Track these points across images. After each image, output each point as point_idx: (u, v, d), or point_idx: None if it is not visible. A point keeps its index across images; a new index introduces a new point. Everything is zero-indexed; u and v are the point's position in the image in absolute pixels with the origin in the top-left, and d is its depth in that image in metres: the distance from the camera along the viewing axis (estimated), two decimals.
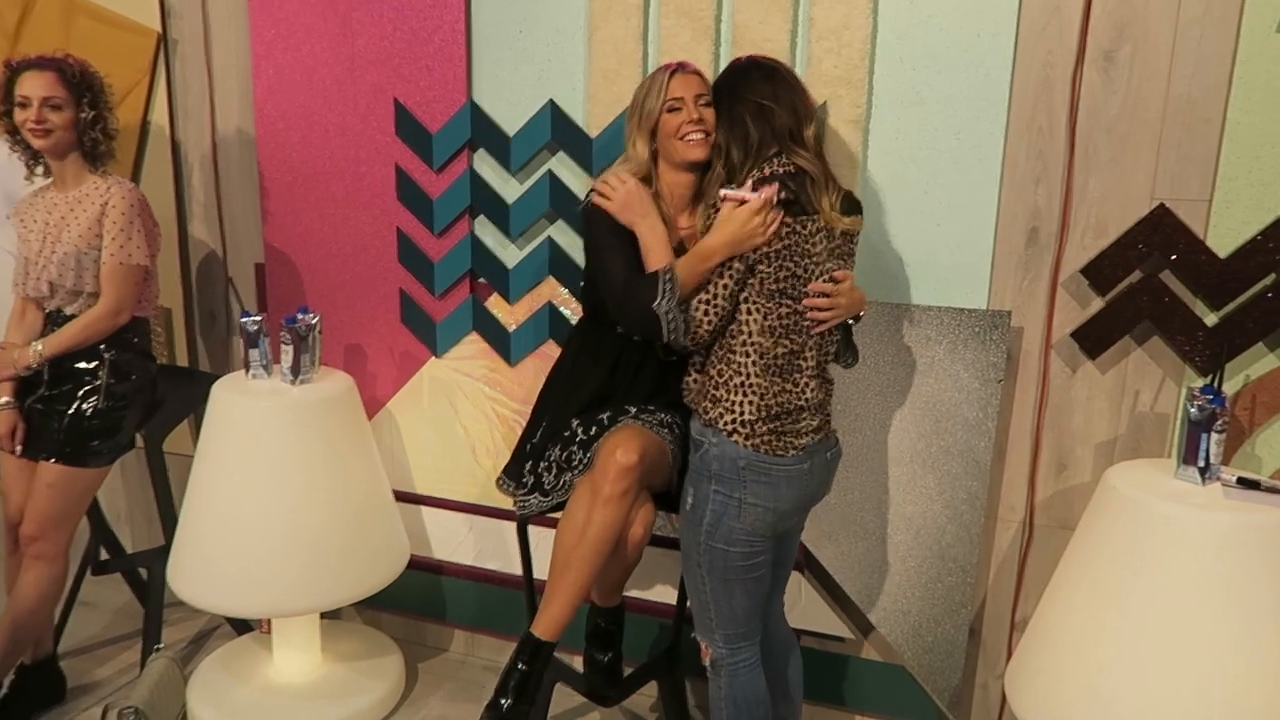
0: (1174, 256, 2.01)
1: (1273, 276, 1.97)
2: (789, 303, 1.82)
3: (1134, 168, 2.04)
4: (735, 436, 1.85)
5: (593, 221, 1.97)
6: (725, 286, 1.82)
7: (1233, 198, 1.98)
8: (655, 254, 1.88)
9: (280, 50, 2.62)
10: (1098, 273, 2.08)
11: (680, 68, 1.99)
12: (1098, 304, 2.11)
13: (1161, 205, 2.01)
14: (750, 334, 1.83)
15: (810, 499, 1.98)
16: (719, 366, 1.87)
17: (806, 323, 1.84)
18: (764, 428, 1.84)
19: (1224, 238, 2.00)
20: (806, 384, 1.87)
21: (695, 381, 1.93)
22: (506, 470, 2.20)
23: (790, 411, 1.86)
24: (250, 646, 2.73)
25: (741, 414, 1.84)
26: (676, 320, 1.83)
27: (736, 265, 1.81)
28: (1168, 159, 2.01)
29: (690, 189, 2.02)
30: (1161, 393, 2.11)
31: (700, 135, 1.94)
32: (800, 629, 2.41)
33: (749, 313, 1.83)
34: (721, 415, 1.86)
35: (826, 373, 1.94)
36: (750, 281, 1.82)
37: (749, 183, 1.83)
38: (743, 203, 1.80)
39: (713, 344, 1.88)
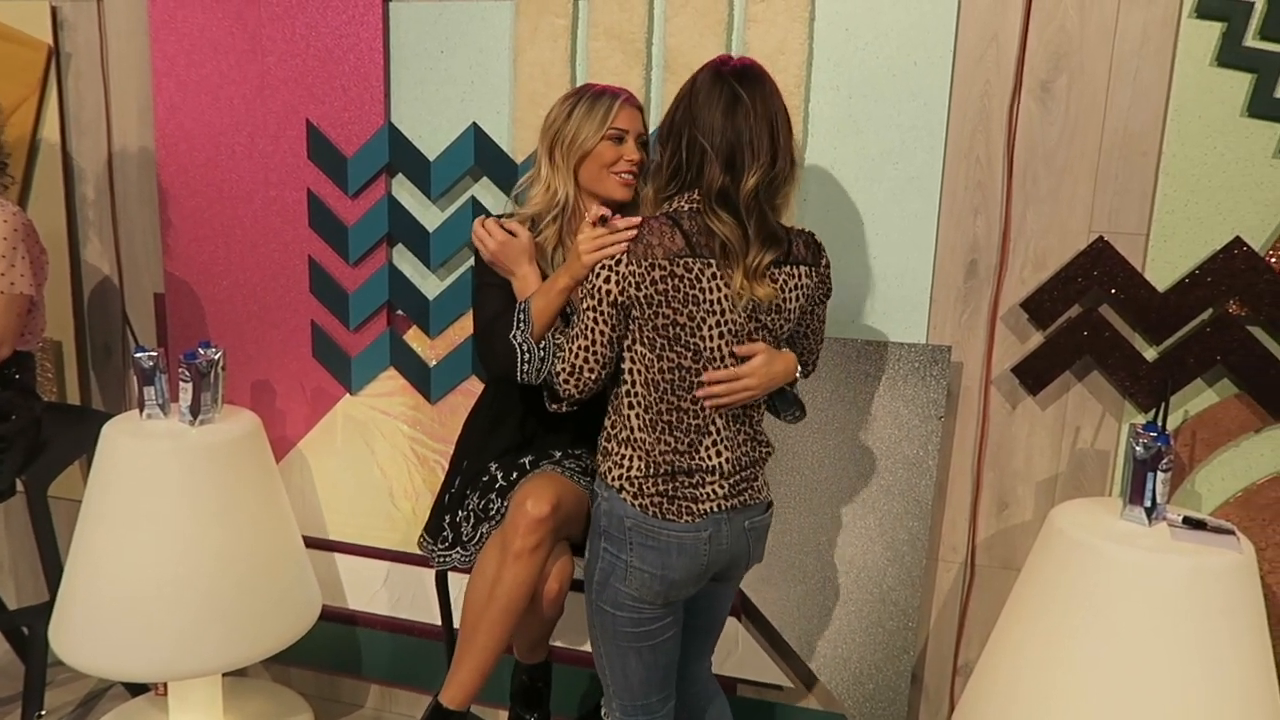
0: (1114, 290, 1.98)
1: (1210, 311, 1.94)
2: (675, 355, 1.64)
3: (1072, 200, 2.00)
4: (623, 494, 1.68)
5: (476, 257, 1.88)
6: (601, 331, 1.64)
7: (1170, 231, 1.96)
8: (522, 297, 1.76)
9: (183, 66, 2.45)
10: (1037, 307, 2.03)
11: (628, 98, 1.85)
12: (1037, 339, 2.07)
13: (1100, 238, 1.97)
14: (633, 384, 1.67)
15: (715, 569, 1.74)
16: (611, 417, 1.72)
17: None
18: (652, 487, 1.67)
19: (1162, 271, 1.97)
20: (711, 445, 1.68)
21: (588, 427, 1.79)
22: (426, 527, 2.05)
23: (686, 472, 1.67)
24: (145, 710, 2.51)
25: (628, 469, 1.68)
26: (532, 355, 1.71)
27: (605, 307, 1.63)
28: (1105, 191, 1.98)
29: None
30: (1102, 429, 2.07)
31: (631, 176, 1.83)
32: (737, 678, 2.30)
33: (632, 361, 1.67)
34: (611, 470, 1.70)
35: (758, 434, 1.76)
36: (630, 327, 1.66)
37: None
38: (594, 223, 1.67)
39: (604, 394, 1.74)
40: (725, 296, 1.63)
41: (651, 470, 1.67)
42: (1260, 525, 1.98)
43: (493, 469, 1.94)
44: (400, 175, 2.37)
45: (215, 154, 2.47)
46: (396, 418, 2.48)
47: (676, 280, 1.61)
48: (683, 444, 1.67)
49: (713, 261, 1.62)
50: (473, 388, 2.37)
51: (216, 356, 2.24)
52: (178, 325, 2.60)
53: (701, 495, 1.68)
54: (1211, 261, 1.92)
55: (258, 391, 2.57)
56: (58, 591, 2.29)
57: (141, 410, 2.27)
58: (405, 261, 2.41)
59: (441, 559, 1.97)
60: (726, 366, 1.65)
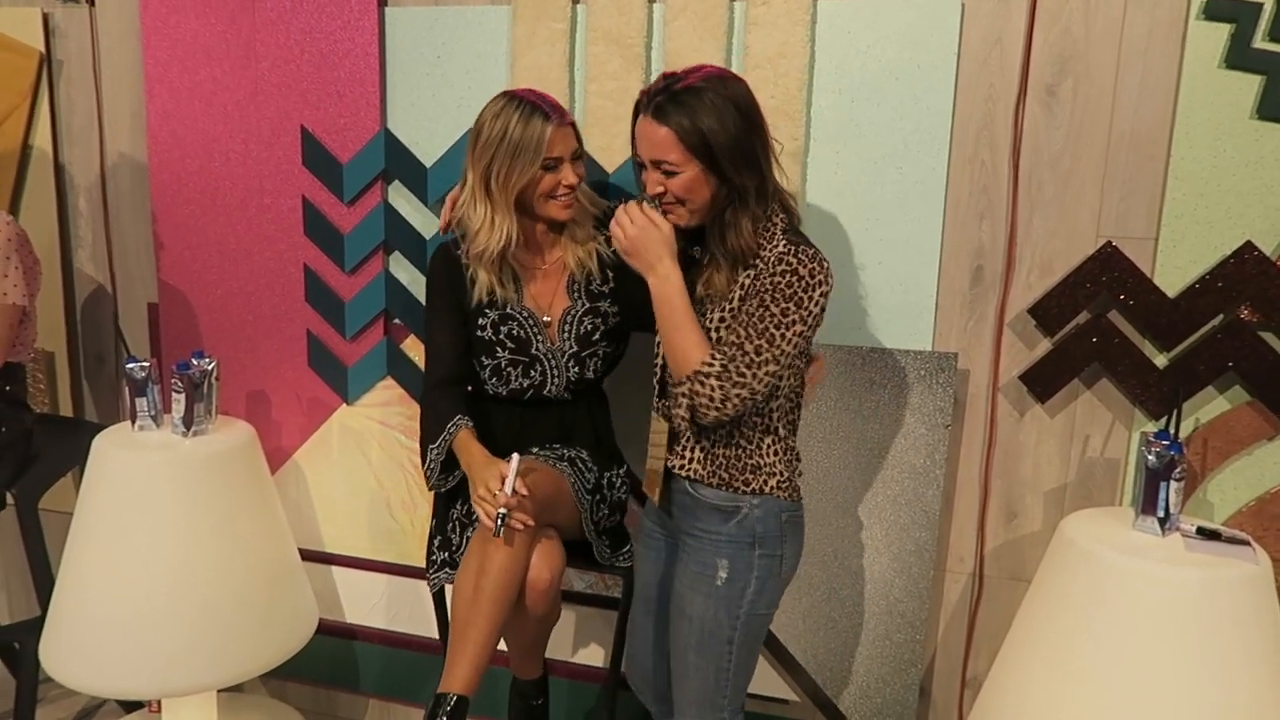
0: (1122, 296, 1.94)
1: (1221, 317, 1.91)
2: None
3: (1079, 204, 1.97)
4: (777, 493, 1.73)
5: (430, 273, 1.97)
6: (799, 353, 1.69)
7: (1179, 236, 1.92)
8: (670, 319, 1.66)
9: (176, 72, 2.42)
10: (1045, 313, 2.00)
11: (556, 117, 1.82)
12: (1045, 345, 2.03)
13: (1109, 243, 1.94)
14: (782, 392, 1.73)
15: None
16: (752, 439, 1.72)
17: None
18: (793, 474, 1.78)
19: (1171, 277, 1.94)
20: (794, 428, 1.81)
21: (719, 449, 1.72)
22: (427, 560, 2.02)
23: (797, 456, 1.82)
24: None
25: (779, 472, 1.74)
26: (434, 472, 1.92)
27: (810, 333, 1.67)
28: (1113, 196, 1.95)
29: (546, 235, 1.96)
30: (1111, 438, 2.03)
31: (571, 197, 1.86)
32: None
33: (792, 372, 1.74)
34: (765, 482, 1.73)
35: None
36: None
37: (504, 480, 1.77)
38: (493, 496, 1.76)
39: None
40: None
41: (790, 458, 1.77)
42: (1274, 535, 1.94)
43: None
44: (396, 182, 2.33)
45: (208, 161, 2.44)
46: (394, 428, 2.44)
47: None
48: (795, 430, 1.79)
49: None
50: None
51: (210, 367, 2.20)
52: (171, 335, 2.56)
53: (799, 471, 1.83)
54: (1222, 266, 1.89)
55: (253, 402, 2.53)
56: (49, 606, 2.25)
57: (134, 421, 2.23)
58: (402, 269, 2.38)
59: (435, 579, 1.95)
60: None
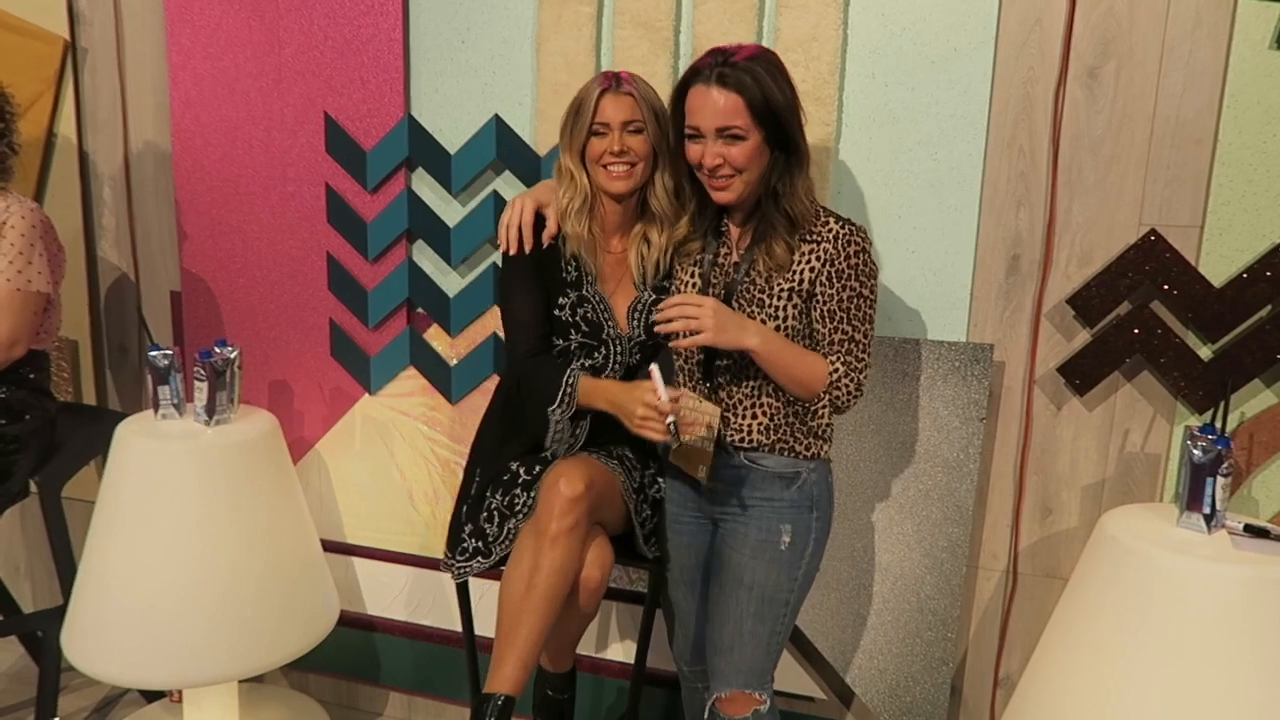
0: (1166, 286, 1.88)
1: (1269, 308, 1.85)
2: None
3: (1120, 192, 1.91)
4: (827, 455, 1.81)
5: (514, 262, 1.88)
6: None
7: (1226, 224, 1.86)
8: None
9: (199, 59, 2.40)
10: (1084, 303, 1.94)
11: (615, 84, 1.81)
12: (1084, 337, 1.98)
13: (1152, 231, 1.88)
14: None
15: None
16: (811, 401, 1.77)
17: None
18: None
19: (1217, 266, 1.88)
20: None
21: (781, 419, 1.76)
22: (448, 543, 1.97)
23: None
24: (160, 717, 2.47)
25: (830, 434, 1.81)
26: (563, 435, 1.84)
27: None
28: (1156, 182, 1.89)
29: (624, 214, 1.89)
30: (1153, 432, 1.97)
31: (624, 168, 1.81)
32: None
33: None
34: (822, 447, 1.79)
35: None
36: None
37: (682, 390, 1.76)
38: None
39: None
40: None
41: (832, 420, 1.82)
42: None
43: (514, 466, 1.87)
44: (420, 169, 2.30)
45: (232, 149, 2.42)
46: (416, 418, 2.42)
47: None
48: None
49: None
50: (494, 387, 2.30)
51: (233, 355, 2.18)
52: (194, 324, 2.54)
53: None
54: (1271, 255, 1.82)
55: (275, 392, 2.51)
56: (71, 595, 2.24)
57: (156, 410, 2.22)
58: (425, 258, 2.35)
59: (462, 570, 1.91)
60: None
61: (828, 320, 1.71)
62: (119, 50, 2.53)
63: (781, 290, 1.71)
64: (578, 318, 1.88)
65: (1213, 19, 1.81)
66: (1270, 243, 1.83)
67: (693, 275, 1.81)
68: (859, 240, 1.70)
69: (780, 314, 1.71)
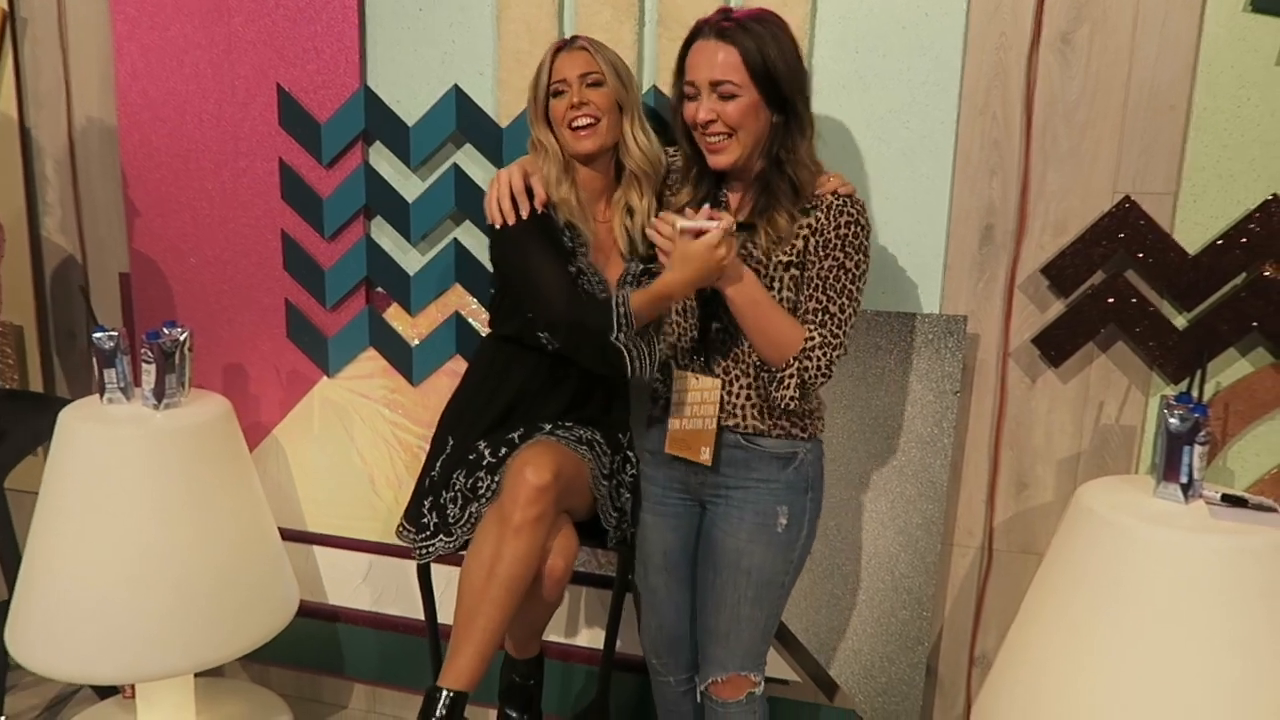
0: (1140, 254, 1.85)
1: (1245, 275, 1.82)
2: None
3: (1095, 159, 1.88)
4: (820, 433, 1.78)
5: (516, 226, 1.77)
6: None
7: (1200, 190, 1.83)
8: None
9: (145, 30, 2.30)
10: (1059, 273, 1.91)
11: (568, 43, 1.80)
12: (1059, 307, 1.94)
13: (1127, 199, 1.85)
14: None
15: None
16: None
17: None
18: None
19: (1192, 233, 1.85)
20: None
21: (778, 408, 1.72)
22: (406, 514, 1.91)
23: None
24: (113, 713, 2.37)
25: (820, 411, 1.79)
26: (641, 353, 1.72)
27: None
28: (1131, 149, 1.86)
29: (602, 179, 1.84)
30: (1128, 404, 1.94)
31: (587, 123, 1.76)
32: None
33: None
34: (815, 424, 1.77)
35: None
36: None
37: (704, 209, 1.64)
38: (700, 233, 1.59)
39: None
40: None
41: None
42: None
43: (480, 446, 1.81)
44: (378, 143, 2.22)
45: (181, 123, 2.33)
46: (377, 401, 2.34)
47: None
48: None
49: None
50: (457, 368, 2.24)
51: (182, 337, 2.10)
52: (144, 306, 2.45)
53: None
54: (1246, 221, 1.80)
55: (230, 375, 2.43)
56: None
57: (102, 395, 2.13)
58: (384, 235, 2.27)
59: (423, 549, 1.84)
60: None
61: (806, 287, 1.66)
62: (60, 20, 2.42)
63: (779, 263, 1.67)
64: (580, 288, 1.81)
65: None
66: (1244, 209, 1.80)
67: None
68: (851, 212, 1.65)
69: (776, 283, 1.67)
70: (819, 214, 1.65)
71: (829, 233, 1.64)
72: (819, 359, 1.65)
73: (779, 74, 1.60)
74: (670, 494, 1.84)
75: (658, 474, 1.85)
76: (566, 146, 1.80)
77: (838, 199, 1.66)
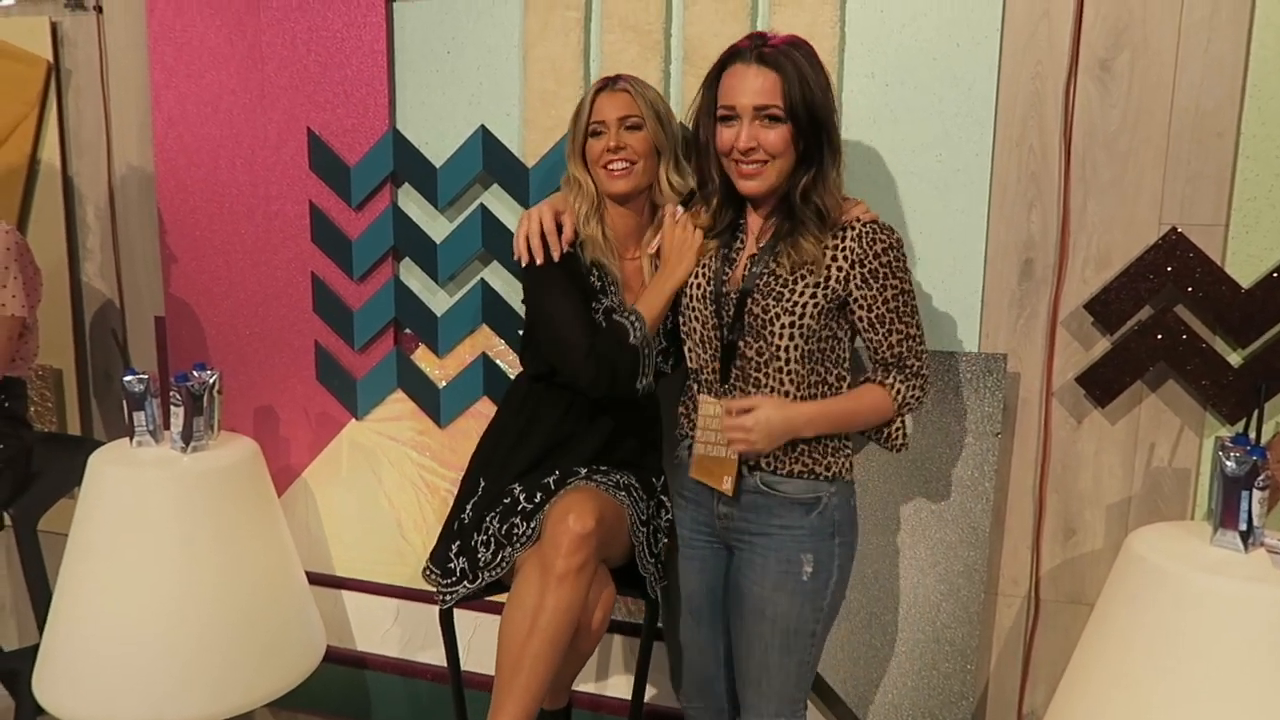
0: (1190, 288, 1.77)
1: None
2: None
3: (1138, 189, 1.80)
4: (848, 474, 1.71)
5: (545, 266, 1.76)
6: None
7: (1252, 221, 1.75)
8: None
9: (182, 78, 2.35)
10: (1103, 308, 1.83)
11: (611, 82, 1.79)
12: (1104, 344, 1.86)
13: (1174, 230, 1.77)
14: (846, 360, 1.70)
15: None
16: None
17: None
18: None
19: (1244, 266, 1.76)
20: None
21: (799, 444, 1.66)
22: (433, 556, 1.88)
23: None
24: None
25: (847, 451, 1.71)
26: (650, 355, 1.74)
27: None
28: (1176, 179, 1.78)
29: (634, 219, 1.83)
30: (1180, 445, 1.85)
31: (622, 166, 1.75)
32: None
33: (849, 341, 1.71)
34: (843, 465, 1.70)
35: None
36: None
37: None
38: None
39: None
40: None
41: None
42: None
43: (515, 490, 1.78)
44: (405, 184, 2.22)
45: (215, 168, 2.36)
46: (405, 444, 2.32)
47: None
48: None
49: None
50: (485, 410, 2.21)
51: (211, 379, 2.10)
52: (177, 349, 2.47)
53: None
54: None
55: (260, 418, 2.43)
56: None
57: (132, 438, 2.13)
58: (412, 276, 2.26)
59: (448, 595, 1.80)
60: None
61: (878, 326, 1.62)
62: (102, 71, 2.48)
63: (806, 285, 1.61)
64: (613, 319, 1.78)
65: (1232, 4, 1.71)
66: None
67: (699, 276, 1.71)
68: (884, 238, 1.60)
69: (799, 309, 1.60)
70: (850, 241, 1.60)
71: (871, 262, 1.59)
72: (915, 394, 1.66)
73: (815, 101, 1.57)
74: (698, 536, 1.79)
75: (684, 516, 1.80)
76: (600, 186, 1.79)
77: (866, 226, 1.61)
